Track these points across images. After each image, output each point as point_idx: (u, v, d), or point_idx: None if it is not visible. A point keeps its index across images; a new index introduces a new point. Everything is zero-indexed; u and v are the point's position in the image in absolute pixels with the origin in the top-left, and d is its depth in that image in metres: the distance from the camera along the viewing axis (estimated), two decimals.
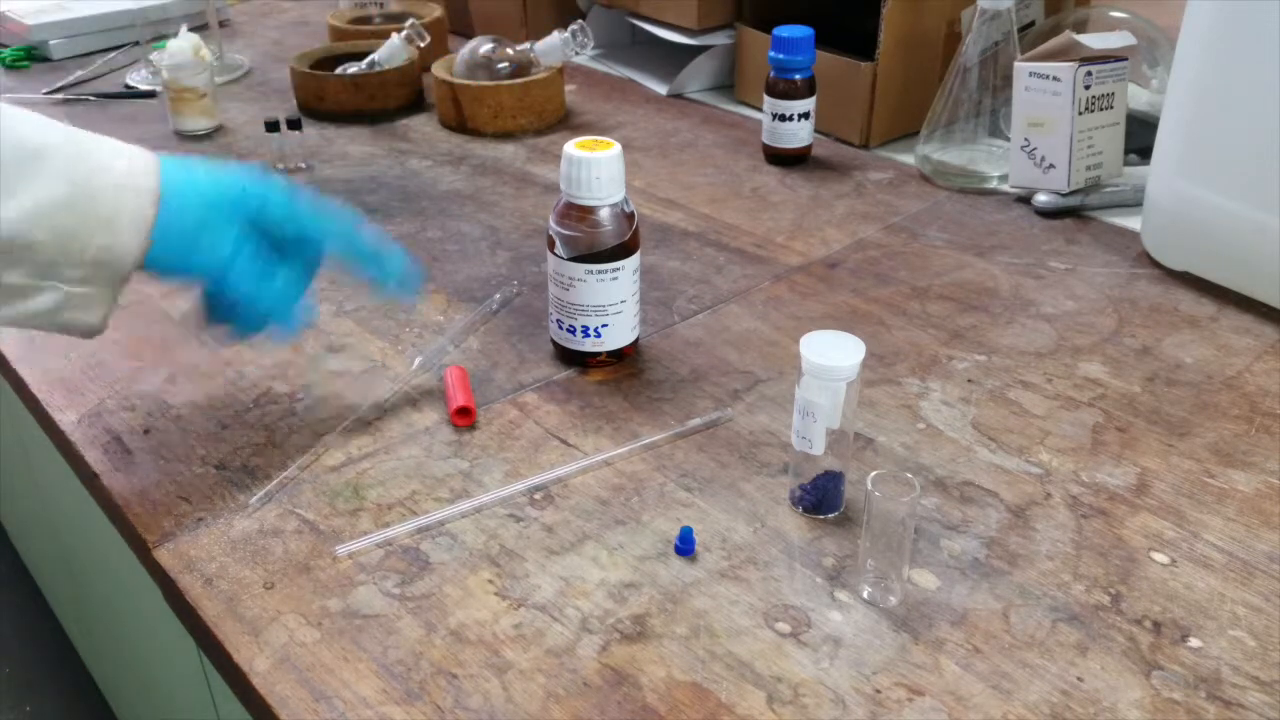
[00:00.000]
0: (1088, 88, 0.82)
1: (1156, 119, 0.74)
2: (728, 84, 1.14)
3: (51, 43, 1.26)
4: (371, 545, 0.51)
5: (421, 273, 0.62)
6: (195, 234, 0.52)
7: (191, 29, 1.07)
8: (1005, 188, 0.89)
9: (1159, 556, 0.50)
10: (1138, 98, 0.94)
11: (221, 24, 1.29)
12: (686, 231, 0.83)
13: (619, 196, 0.62)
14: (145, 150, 0.53)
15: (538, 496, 0.55)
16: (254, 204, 0.54)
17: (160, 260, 0.52)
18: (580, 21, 1.05)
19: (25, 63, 1.25)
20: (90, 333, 0.53)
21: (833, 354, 0.49)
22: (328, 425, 0.60)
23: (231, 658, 0.45)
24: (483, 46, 1.05)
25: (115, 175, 0.50)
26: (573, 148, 0.60)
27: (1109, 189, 0.86)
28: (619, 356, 0.66)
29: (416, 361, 0.65)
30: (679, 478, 0.56)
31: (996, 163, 0.90)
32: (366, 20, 1.23)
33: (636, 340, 0.67)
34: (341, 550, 0.51)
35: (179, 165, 0.53)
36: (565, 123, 1.06)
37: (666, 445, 0.58)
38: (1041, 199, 0.85)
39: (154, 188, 0.51)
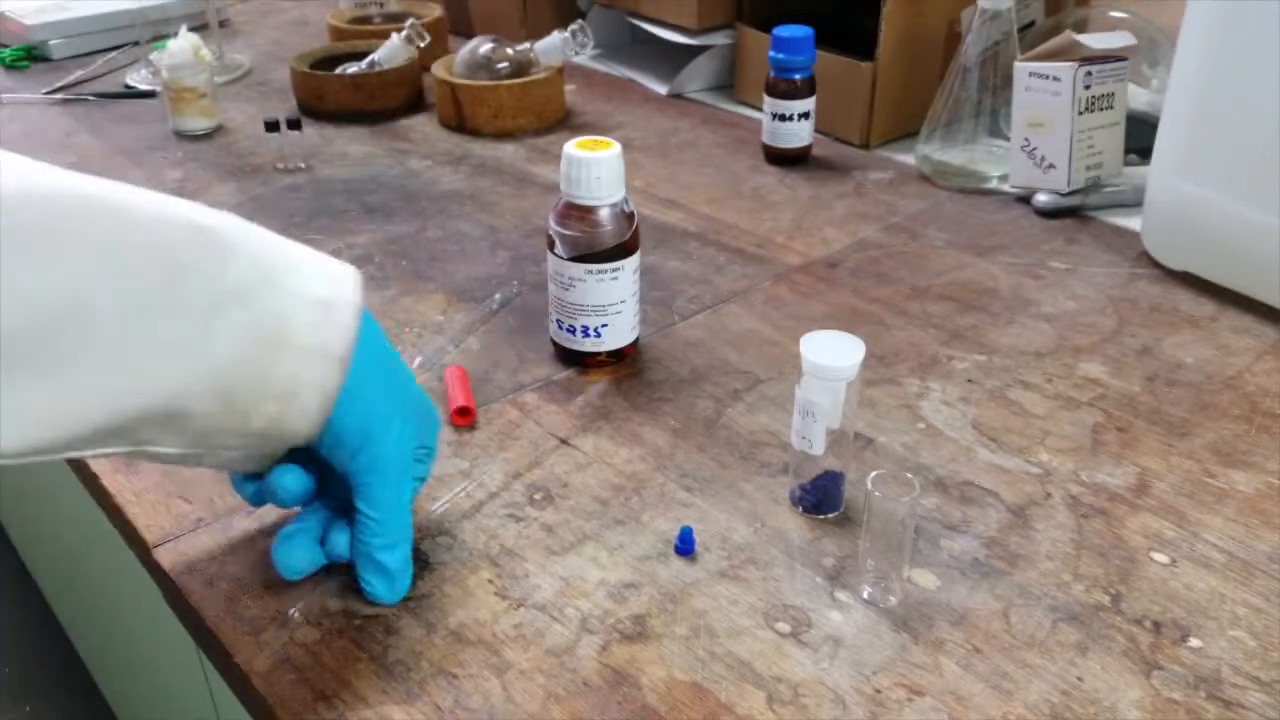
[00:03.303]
0: (1088, 88, 0.82)
1: (1156, 119, 0.74)
2: (728, 84, 1.13)
3: (51, 43, 1.26)
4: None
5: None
6: (364, 426, 0.44)
7: (191, 29, 1.07)
8: (1005, 188, 0.89)
9: (1159, 556, 0.50)
10: (1138, 98, 0.94)
11: (221, 24, 1.29)
12: (686, 231, 0.83)
13: (619, 196, 0.62)
14: (342, 291, 0.43)
15: (537, 496, 0.55)
16: (426, 426, 0.49)
17: (321, 443, 0.44)
18: (580, 21, 1.05)
19: (25, 63, 1.25)
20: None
21: (833, 354, 0.49)
22: None
23: (232, 658, 0.45)
24: (483, 46, 1.05)
25: (302, 334, 0.42)
26: (573, 148, 0.60)
27: (1109, 189, 0.86)
28: (619, 356, 0.66)
29: (416, 361, 0.65)
30: (679, 478, 0.56)
31: (996, 163, 0.90)
32: (366, 20, 1.23)
33: (636, 340, 0.67)
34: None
35: (370, 329, 0.45)
36: (565, 123, 1.06)
37: (666, 446, 0.58)
38: (1041, 199, 0.85)
39: (344, 356, 0.42)
